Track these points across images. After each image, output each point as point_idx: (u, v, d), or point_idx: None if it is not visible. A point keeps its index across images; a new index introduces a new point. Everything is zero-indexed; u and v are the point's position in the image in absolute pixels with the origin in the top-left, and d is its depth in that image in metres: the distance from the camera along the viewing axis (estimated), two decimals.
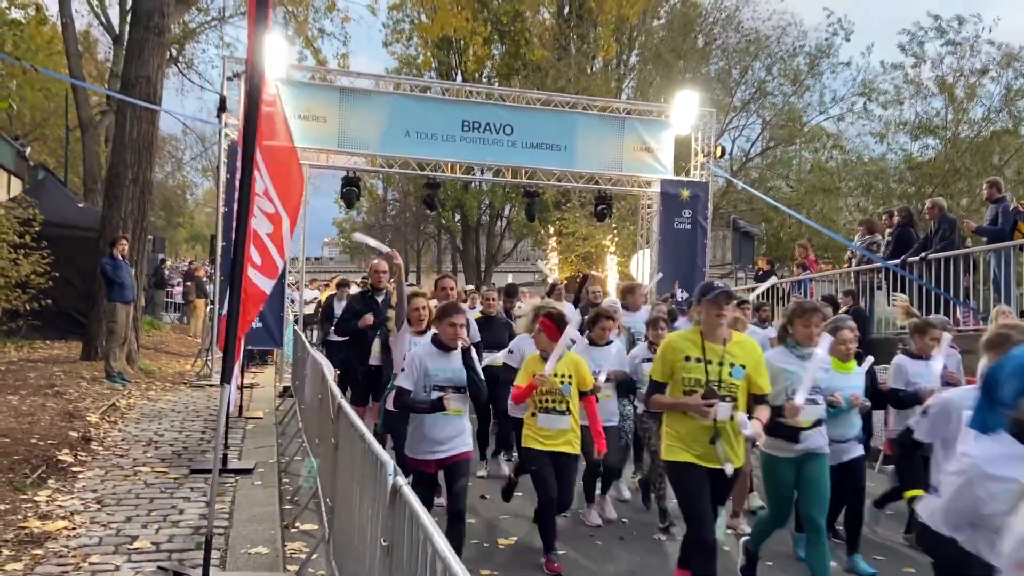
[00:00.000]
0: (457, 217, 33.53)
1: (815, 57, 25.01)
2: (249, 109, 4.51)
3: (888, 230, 12.29)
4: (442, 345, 4.93)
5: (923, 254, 10.80)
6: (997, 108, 22.39)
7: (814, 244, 17.47)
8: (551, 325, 5.38)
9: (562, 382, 5.27)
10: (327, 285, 19.49)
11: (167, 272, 25.79)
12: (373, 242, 6.98)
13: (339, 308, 11.02)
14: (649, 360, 6.13)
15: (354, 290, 11.30)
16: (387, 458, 2.94)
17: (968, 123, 22.83)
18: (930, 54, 22.34)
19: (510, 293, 9.33)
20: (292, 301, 14.29)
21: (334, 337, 10.79)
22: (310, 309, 16.77)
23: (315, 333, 15.30)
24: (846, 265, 13.87)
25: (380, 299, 7.57)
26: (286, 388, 11.28)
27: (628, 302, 8.10)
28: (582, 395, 5.37)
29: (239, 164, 4.75)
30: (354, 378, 7.76)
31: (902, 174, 23.34)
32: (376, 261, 8.07)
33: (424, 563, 2.22)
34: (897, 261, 11.12)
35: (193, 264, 26.05)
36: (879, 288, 12.31)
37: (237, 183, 4.72)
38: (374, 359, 7.33)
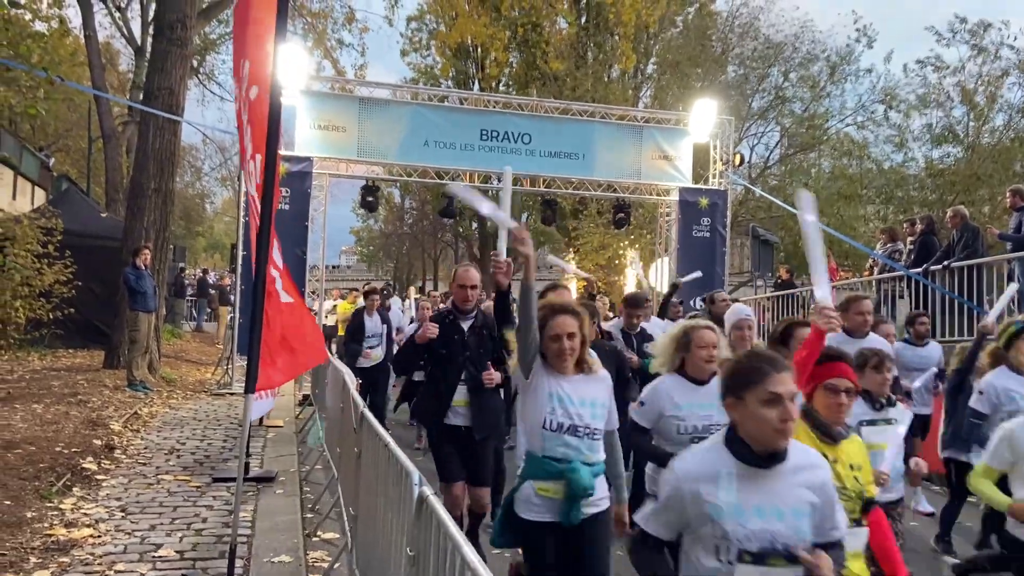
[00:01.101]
0: (474, 225, 33.61)
1: (835, 64, 24.92)
2: (271, 121, 4.55)
3: (910, 238, 12.20)
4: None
5: (946, 262, 10.70)
6: (1019, 113, 22.24)
7: (835, 252, 17.37)
8: (841, 368, 3.10)
9: (855, 476, 3.05)
10: (350, 293, 18.26)
11: (186, 281, 26.02)
12: (560, 261, 6.14)
13: (371, 325, 9.59)
14: (874, 423, 3.87)
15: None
16: (412, 467, 2.94)
17: (989, 130, 22.69)
18: (951, 60, 22.28)
19: (634, 303, 6.77)
20: (311, 310, 14.33)
21: (364, 362, 9.46)
22: (330, 320, 16.34)
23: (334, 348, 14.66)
24: (867, 273, 13.76)
25: (467, 325, 5.14)
26: (306, 397, 11.33)
27: (850, 321, 5.47)
28: (865, 506, 3.09)
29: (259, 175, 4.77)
30: (438, 442, 5.17)
31: (923, 182, 23.18)
32: (463, 269, 5.30)
33: (452, 573, 2.22)
34: (919, 270, 11.02)
35: (219, 275, 26.19)
36: (901, 297, 12.21)
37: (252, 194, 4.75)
38: (458, 418, 5.06)
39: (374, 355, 9.53)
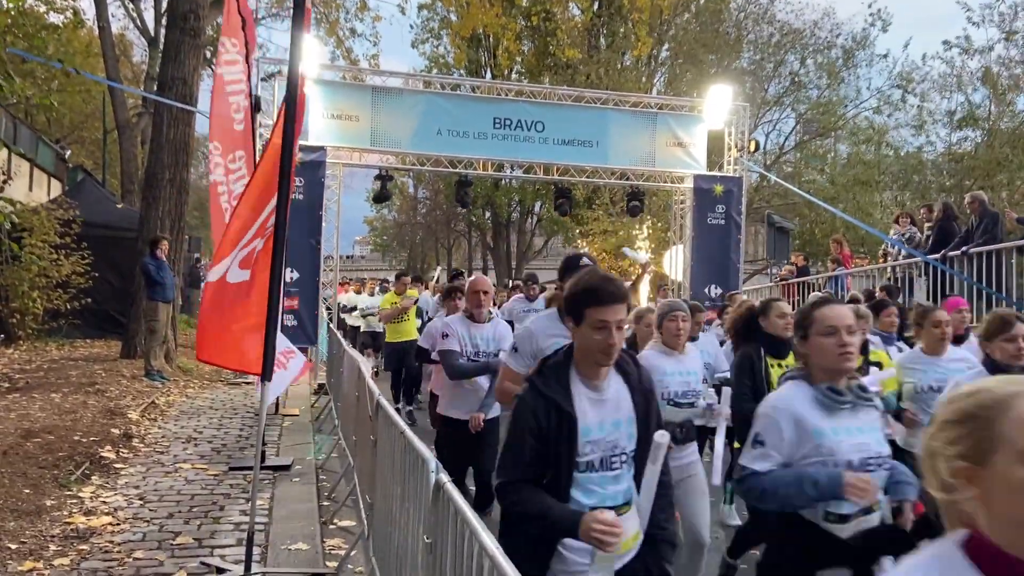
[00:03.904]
0: (487, 214, 33.53)
1: (851, 49, 24.70)
2: (288, 111, 4.53)
3: (927, 224, 12.07)
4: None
5: (964, 248, 10.59)
6: None
7: (850, 239, 17.22)
8: None
9: None
10: (398, 282, 11.95)
11: (201, 272, 26.12)
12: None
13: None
14: None
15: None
16: (428, 455, 2.93)
17: (1010, 115, 22.43)
18: (979, 41, 22.08)
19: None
20: (325, 300, 14.29)
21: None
22: (368, 324, 13.45)
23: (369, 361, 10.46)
24: (881, 260, 13.63)
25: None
26: (321, 386, 11.38)
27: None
28: None
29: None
30: None
31: (940, 167, 22.98)
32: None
33: (469, 560, 2.21)
34: (937, 256, 10.92)
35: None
36: (920, 276, 12.08)
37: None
38: None
39: None
